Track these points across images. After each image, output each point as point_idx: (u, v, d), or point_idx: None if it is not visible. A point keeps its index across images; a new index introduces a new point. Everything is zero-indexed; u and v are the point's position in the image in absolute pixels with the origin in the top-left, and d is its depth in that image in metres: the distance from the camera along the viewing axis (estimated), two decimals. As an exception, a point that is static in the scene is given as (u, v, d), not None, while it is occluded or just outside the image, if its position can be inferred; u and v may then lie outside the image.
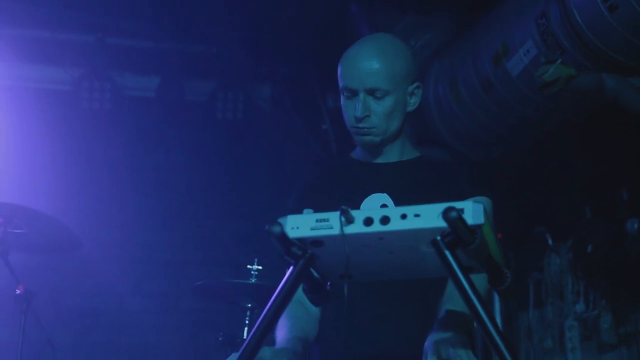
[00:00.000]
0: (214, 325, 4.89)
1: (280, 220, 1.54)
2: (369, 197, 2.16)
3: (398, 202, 1.90)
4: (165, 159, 5.88)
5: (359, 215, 1.52)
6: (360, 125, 2.29)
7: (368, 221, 1.51)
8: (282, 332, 2.14)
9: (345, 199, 1.94)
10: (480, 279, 1.99)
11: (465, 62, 4.40)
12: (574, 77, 3.44)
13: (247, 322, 4.03)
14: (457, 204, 1.47)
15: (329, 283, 1.68)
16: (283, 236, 1.52)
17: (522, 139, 4.46)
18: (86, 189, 5.61)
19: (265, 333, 1.54)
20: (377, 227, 1.50)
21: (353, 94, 2.30)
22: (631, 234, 3.55)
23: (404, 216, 1.50)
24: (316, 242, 1.53)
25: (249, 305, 4.05)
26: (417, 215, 1.49)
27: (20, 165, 5.42)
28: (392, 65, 2.29)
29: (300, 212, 1.59)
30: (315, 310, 2.27)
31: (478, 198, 2.23)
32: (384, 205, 1.55)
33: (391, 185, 2.25)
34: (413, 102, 2.37)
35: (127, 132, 5.76)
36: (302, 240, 1.54)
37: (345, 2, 5.14)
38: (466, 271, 1.48)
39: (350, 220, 1.51)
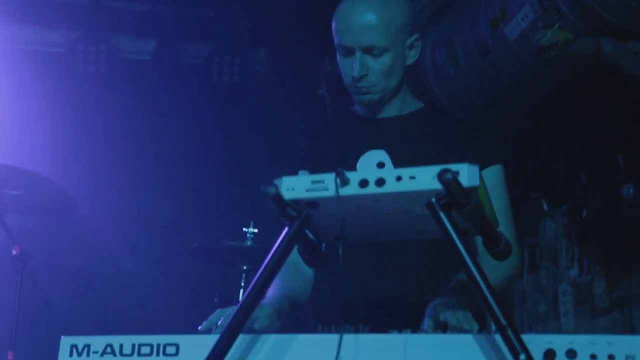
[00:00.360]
0: (210, 287, 4.90)
1: (276, 181, 1.53)
2: (366, 154, 2.12)
3: (395, 159, 1.87)
4: (161, 122, 5.87)
5: (354, 176, 1.51)
6: (359, 84, 2.23)
7: (363, 183, 1.50)
8: (272, 289, 2.14)
9: (342, 157, 1.92)
10: (502, 267, 1.99)
11: (462, 27, 4.39)
12: (571, 41, 3.43)
13: (242, 284, 4.06)
14: (453, 166, 1.46)
15: (324, 244, 1.68)
16: (278, 197, 1.51)
17: (518, 103, 4.46)
18: (82, 151, 5.60)
19: (260, 293, 1.54)
20: (372, 188, 1.50)
21: (349, 52, 2.22)
22: (626, 199, 3.54)
23: (399, 178, 1.49)
24: (311, 203, 1.53)
25: (245, 267, 4.07)
26: (412, 177, 1.49)
27: (16, 128, 5.41)
28: (390, 18, 2.19)
29: (295, 174, 1.58)
30: (309, 273, 2.26)
31: (492, 167, 2.22)
32: (380, 163, 1.53)
33: (389, 141, 2.20)
34: (412, 55, 2.30)
35: (123, 96, 5.74)
36: (297, 201, 1.53)
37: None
38: (461, 233, 1.48)
39: (345, 182, 1.51)
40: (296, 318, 2.25)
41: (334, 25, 2.27)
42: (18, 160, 3.61)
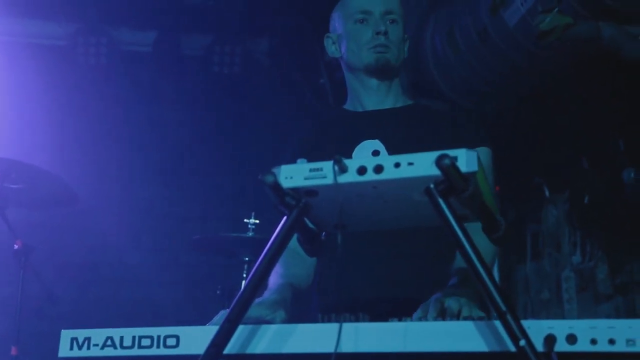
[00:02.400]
0: (212, 279, 4.91)
1: (274, 170, 1.53)
2: (361, 144, 2.16)
3: (390, 148, 1.90)
4: (163, 114, 5.87)
5: (352, 164, 1.51)
6: (382, 41, 2.31)
7: (362, 170, 1.50)
8: (273, 277, 2.16)
9: (338, 148, 1.94)
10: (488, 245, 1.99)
11: (462, 13, 4.38)
12: (570, 25, 3.42)
13: (244, 275, 4.06)
14: (451, 152, 1.45)
15: (323, 233, 1.68)
16: (276, 186, 1.51)
17: (518, 89, 4.46)
18: (83, 143, 5.61)
19: (260, 283, 1.54)
20: (370, 175, 1.49)
21: (367, 15, 2.34)
22: (628, 183, 3.54)
23: (397, 165, 1.48)
24: (310, 191, 1.52)
25: (247, 258, 4.07)
26: (410, 164, 1.48)
27: (17, 121, 5.41)
28: None
29: (294, 161, 1.57)
30: (311, 260, 2.28)
31: (479, 149, 2.23)
32: (375, 152, 1.53)
33: (383, 131, 2.25)
34: (405, 49, 2.42)
35: (123, 87, 5.74)
36: (295, 189, 1.52)
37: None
38: (460, 220, 1.47)
39: (343, 170, 1.50)
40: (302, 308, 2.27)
41: (345, 4, 2.41)
42: (19, 153, 3.62)
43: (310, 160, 1.56)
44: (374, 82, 2.38)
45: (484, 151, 2.30)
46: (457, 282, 1.97)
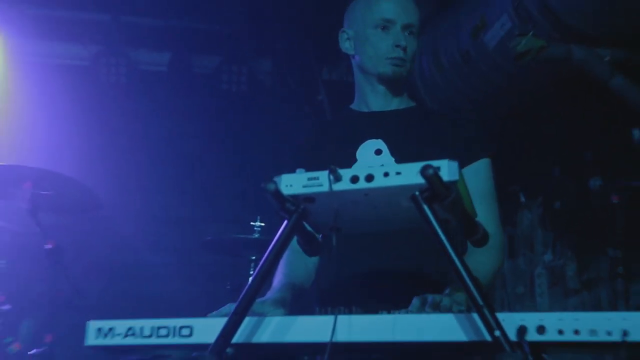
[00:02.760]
0: (222, 276, 4.91)
1: (275, 178, 1.54)
2: (365, 143, 2.10)
3: (392, 147, 1.89)
4: (176, 127, 5.87)
5: (346, 173, 1.52)
6: (401, 55, 2.21)
7: (354, 179, 1.50)
8: (277, 277, 2.14)
9: (343, 146, 1.90)
10: (488, 264, 1.99)
11: (446, 35, 4.38)
12: (544, 48, 3.42)
13: (251, 272, 4.07)
14: (434, 162, 1.46)
15: (320, 235, 1.68)
16: (277, 193, 1.51)
17: (497, 105, 4.46)
18: (106, 154, 5.61)
19: (263, 280, 1.54)
20: (362, 184, 1.50)
21: (390, 24, 2.21)
22: (594, 191, 3.55)
23: (386, 174, 1.49)
24: (308, 198, 1.53)
25: (253, 257, 4.08)
26: (398, 173, 1.49)
27: (47, 134, 5.41)
28: (419, 11, 2.26)
29: (294, 170, 1.58)
30: (312, 259, 2.25)
31: (479, 161, 2.21)
32: (378, 150, 1.51)
33: (386, 132, 2.12)
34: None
35: (141, 103, 5.75)
36: (295, 196, 1.53)
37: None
38: (442, 223, 1.48)
39: (338, 178, 1.51)
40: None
41: (367, 6, 2.26)
42: (49, 164, 3.61)
43: (313, 160, 1.56)
44: (383, 88, 2.28)
45: (485, 162, 2.24)
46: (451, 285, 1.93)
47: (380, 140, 1.78)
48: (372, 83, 2.29)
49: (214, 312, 1.83)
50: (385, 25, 2.21)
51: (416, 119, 2.29)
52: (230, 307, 1.83)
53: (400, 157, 1.57)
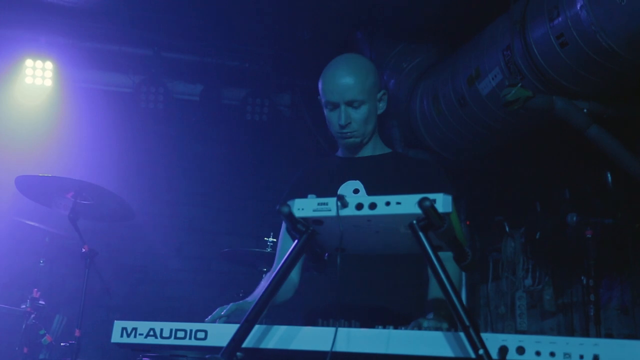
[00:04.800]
0: (237, 284, 4.89)
1: (289, 202, 1.52)
2: (345, 183, 2.11)
3: (368, 187, 1.84)
4: (205, 150, 5.89)
5: (352, 201, 1.50)
6: (344, 131, 2.24)
7: (359, 206, 1.49)
8: (259, 289, 2.15)
9: (328, 185, 1.90)
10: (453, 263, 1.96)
11: (445, 82, 4.38)
12: (530, 98, 3.42)
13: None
14: (431, 195, 1.45)
15: (326, 254, 1.67)
16: (290, 215, 1.50)
17: (488, 145, 4.44)
18: (141, 170, 5.63)
19: (273, 292, 1.52)
20: (366, 211, 1.48)
21: (335, 106, 2.24)
22: (571, 225, 3.52)
23: (387, 203, 1.48)
24: (317, 221, 1.52)
25: (265, 269, 4.05)
26: (398, 203, 1.47)
27: (90, 151, 5.44)
28: (364, 79, 2.22)
29: (293, 197, 1.56)
30: (293, 279, 2.26)
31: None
32: (356, 190, 1.49)
33: (363, 174, 2.21)
34: (382, 106, 2.31)
35: (175, 128, 5.78)
36: (305, 219, 1.52)
37: (352, 30, 5.13)
38: (436, 249, 1.47)
39: (345, 205, 1.49)
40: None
41: (321, 86, 2.28)
42: (90, 176, 3.61)
43: (305, 193, 1.56)
44: (345, 148, 2.33)
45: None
46: (434, 312, 1.94)
47: (358, 182, 1.75)
48: (341, 143, 2.33)
49: (209, 317, 1.82)
50: (331, 108, 2.24)
51: (389, 163, 2.30)
52: (221, 309, 1.83)
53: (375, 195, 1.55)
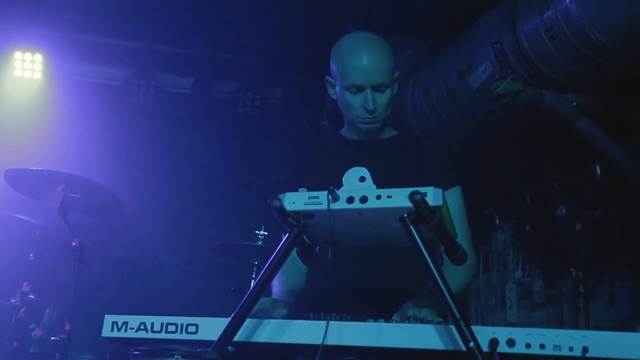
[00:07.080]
0: (228, 277, 4.88)
1: (280, 196, 1.52)
2: (350, 170, 2.07)
3: (374, 175, 1.85)
4: (196, 143, 5.87)
5: (343, 194, 1.50)
6: (371, 116, 2.14)
7: (350, 199, 1.49)
8: (277, 284, 2.12)
9: (331, 171, 1.88)
10: (460, 275, 1.96)
11: (436, 76, 4.39)
12: (520, 91, 3.42)
13: (253, 275, 4.04)
14: (421, 189, 1.45)
15: (317, 248, 1.67)
16: (281, 209, 1.50)
17: (478, 138, 4.45)
18: (130, 163, 5.60)
19: (264, 285, 1.53)
20: (357, 204, 1.49)
21: (359, 89, 2.13)
22: (560, 217, 3.53)
23: (378, 197, 1.48)
24: (308, 214, 1.52)
25: (256, 262, 4.05)
26: (389, 197, 1.48)
27: (80, 144, 5.41)
28: (389, 61, 2.14)
29: (293, 189, 1.56)
30: (304, 266, 2.21)
31: (453, 189, 2.17)
32: (362, 177, 1.49)
33: (369, 160, 2.05)
34: (396, 88, 2.22)
35: (166, 121, 5.75)
36: (296, 212, 1.52)
37: (343, 23, 5.11)
38: (426, 242, 1.47)
39: (335, 198, 1.50)
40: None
41: (339, 68, 2.16)
42: (79, 170, 3.59)
43: (307, 182, 1.55)
44: (362, 131, 2.26)
45: (457, 189, 2.19)
46: (424, 295, 1.94)
47: (364, 169, 1.76)
48: (354, 125, 2.25)
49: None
50: (355, 90, 2.14)
51: (397, 148, 2.24)
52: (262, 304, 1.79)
53: (382, 184, 1.53)
